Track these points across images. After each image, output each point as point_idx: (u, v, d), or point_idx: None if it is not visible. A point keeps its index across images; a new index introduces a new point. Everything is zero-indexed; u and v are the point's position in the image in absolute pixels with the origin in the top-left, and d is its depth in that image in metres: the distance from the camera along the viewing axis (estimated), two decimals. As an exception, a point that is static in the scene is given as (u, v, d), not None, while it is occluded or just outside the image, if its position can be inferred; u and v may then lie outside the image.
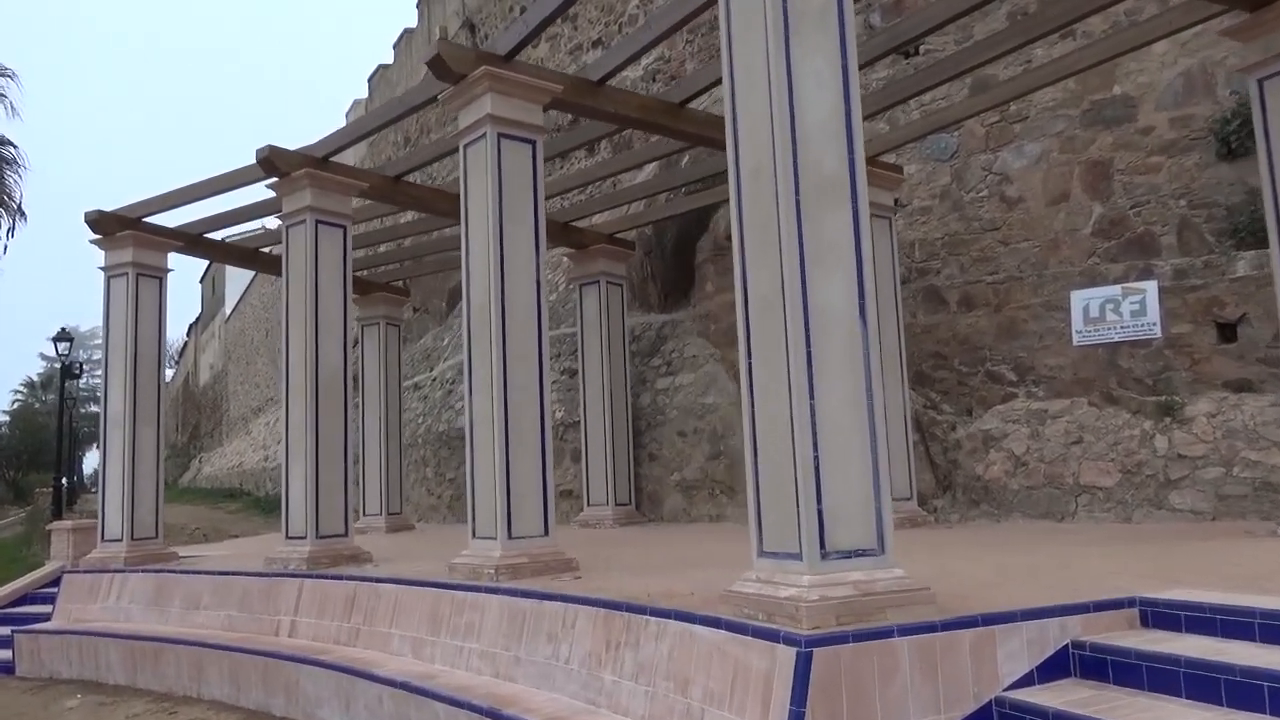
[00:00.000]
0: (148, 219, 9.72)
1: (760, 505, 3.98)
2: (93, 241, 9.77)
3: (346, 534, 7.99)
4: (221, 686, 7.16)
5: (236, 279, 49.42)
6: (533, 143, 6.50)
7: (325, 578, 7.22)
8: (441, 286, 18.70)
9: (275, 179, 8.18)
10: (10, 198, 18.03)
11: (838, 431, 3.81)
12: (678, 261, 11.57)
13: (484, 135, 6.34)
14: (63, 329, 19.35)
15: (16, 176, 18.23)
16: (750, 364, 4.12)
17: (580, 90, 6.84)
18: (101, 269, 9.79)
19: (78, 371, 20.45)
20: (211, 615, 7.98)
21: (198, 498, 28.73)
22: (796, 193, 3.88)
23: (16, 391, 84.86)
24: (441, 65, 6.30)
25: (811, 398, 3.78)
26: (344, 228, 8.27)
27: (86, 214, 9.55)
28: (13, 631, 8.93)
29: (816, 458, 3.74)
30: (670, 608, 4.23)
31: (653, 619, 4.28)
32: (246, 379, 42.27)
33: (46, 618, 9.76)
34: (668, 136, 7.88)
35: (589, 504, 10.81)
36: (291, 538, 7.87)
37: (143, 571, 8.85)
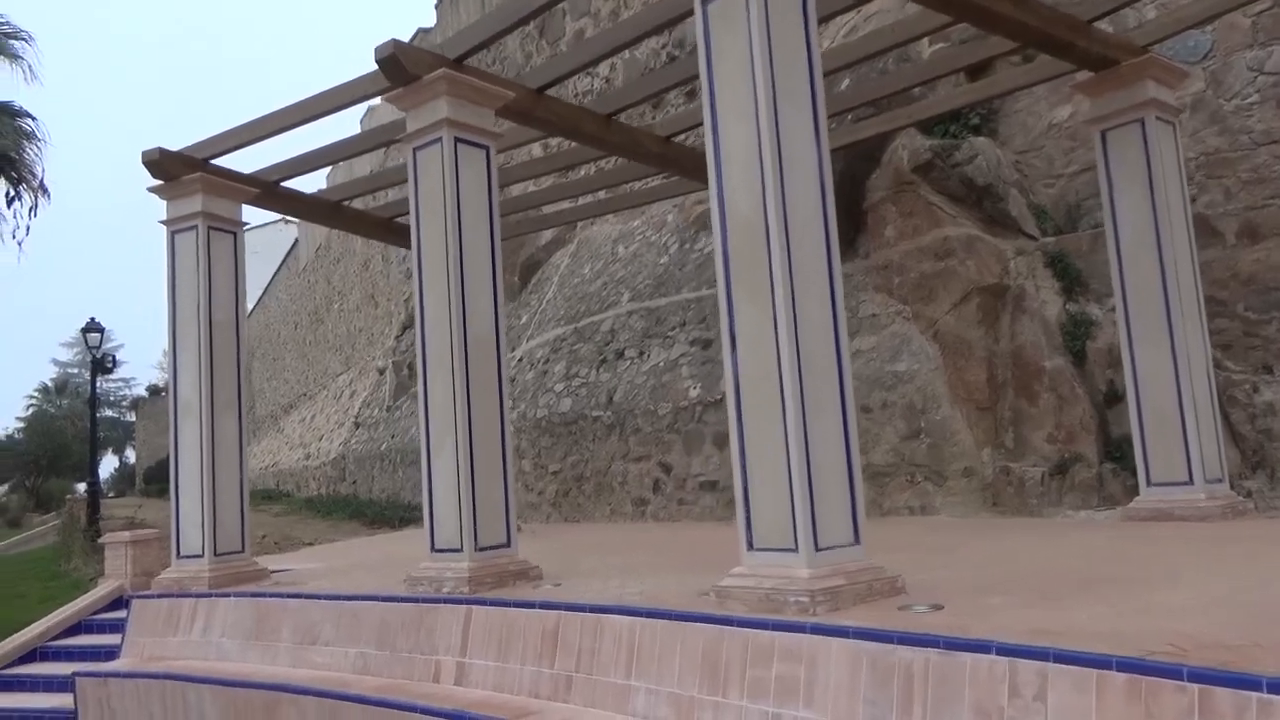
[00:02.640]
0: (216, 160, 7.89)
1: None
2: (151, 189, 7.93)
3: (510, 544, 6.15)
4: (370, 754, 5.33)
5: (257, 273, 47.58)
6: (804, -10, 4.62)
7: (506, 605, 5.36)
8: (511, 259, 16.79)
9: (398, 89, 6.32)
10: (32, 174, 16.24)
11: None
12: (842, 204, 9.63)
13: (742, -21, 4.46)
14: (92, 319, 17.57)
15: (37, 150, 16.45)
16: None
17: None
18: (163, 223, 7.96)
19: (110, 365, 18.59)
20: (336, 654, 6.14)
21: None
22: None
23: (30, 397, 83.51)
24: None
25: None
26: (487, 149, 6.41)
27: (145, 154, 7.70)
28: (74, 674, 7.11)
29: None
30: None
31: (1293, 700, 2.40)
32: (274, 375, 40.53)
33: (108, 652, 7.96)
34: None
35: (753, 497, 8.94)
36: (440, 550, 6.02)
37: (236, 596, 7.01)
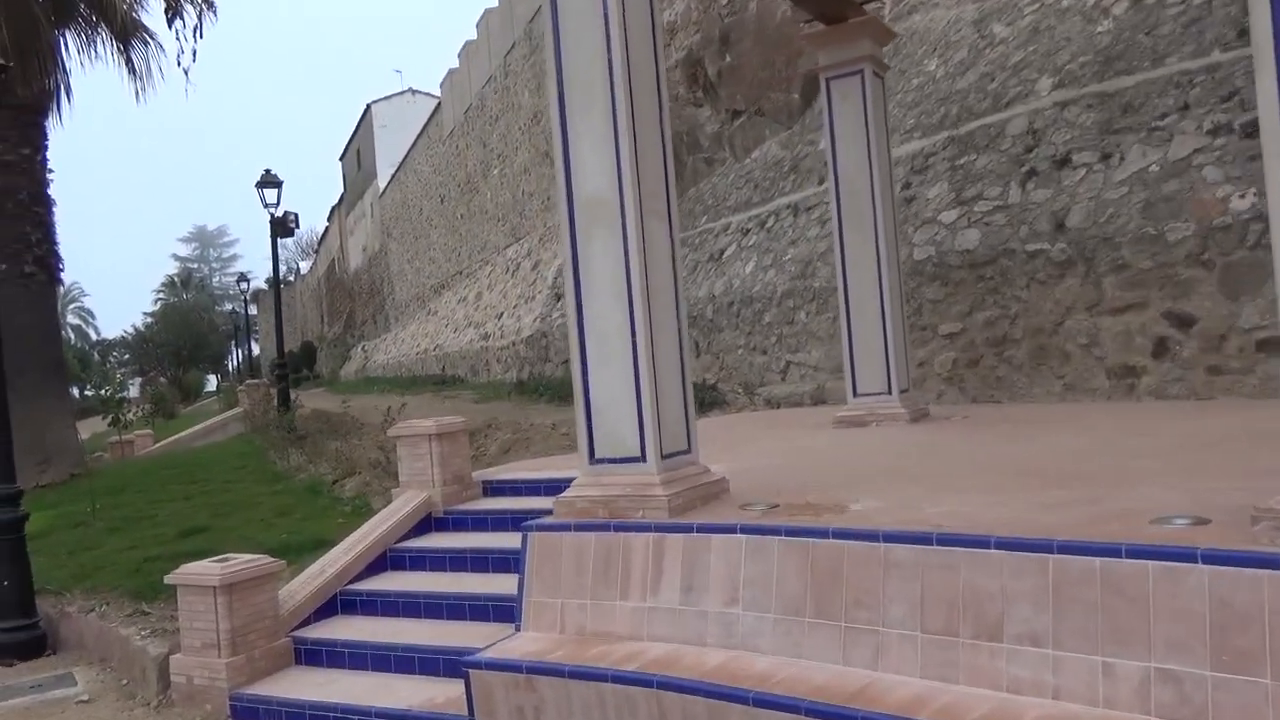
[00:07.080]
0: None
1: None
2: None
3: None
4: None
5: (387, 151, 44.72)
6: None
7: None
8: (784, 71, 13.13)
9: None
10: (194, -13, 13.21)
11: None
12: None
13: None
14: (268, 171, 14.74)
15: (196, -40, 13.36)
16: None
17: None
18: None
19: (294, 224, 15.83)
20: (1070, 667, 2.98)
21: (400, 387, 24.56)
22: None
23: (157, 291, 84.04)
24: None
25: None
26: None
27: None
28: (468, 663, 4.16)
29: None
30: None
31: None
32: (417, 255, 38.02)
33: (451, 606, 5.16)
34: None
35: None
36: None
37: (749, 533, 3.90)
